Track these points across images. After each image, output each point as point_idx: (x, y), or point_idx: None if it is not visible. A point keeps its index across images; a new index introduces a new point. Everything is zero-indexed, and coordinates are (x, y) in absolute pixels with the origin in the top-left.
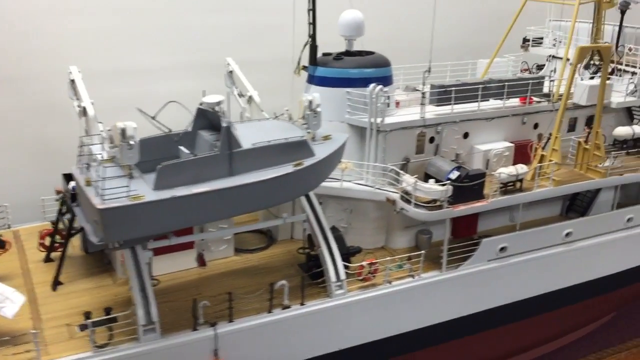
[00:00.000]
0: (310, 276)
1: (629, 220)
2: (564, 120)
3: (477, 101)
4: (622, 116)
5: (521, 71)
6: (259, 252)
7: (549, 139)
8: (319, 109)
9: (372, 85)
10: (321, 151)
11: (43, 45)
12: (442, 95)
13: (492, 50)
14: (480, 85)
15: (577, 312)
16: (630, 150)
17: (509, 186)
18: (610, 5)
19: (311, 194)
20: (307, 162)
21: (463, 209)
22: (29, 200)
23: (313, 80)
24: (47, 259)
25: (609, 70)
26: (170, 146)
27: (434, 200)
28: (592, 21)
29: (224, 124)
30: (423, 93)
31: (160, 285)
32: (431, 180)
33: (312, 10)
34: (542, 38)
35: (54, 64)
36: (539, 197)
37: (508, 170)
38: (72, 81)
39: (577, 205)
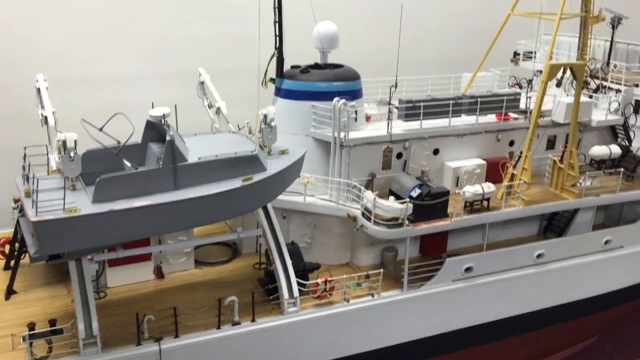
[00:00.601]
0: (267, 292)
1: (606, 242)
2: (542, 138)
3: (447, 117)
4: (606, 135)
5: (510, 86)
6: (220, 265)
7: (519, 157)
8: (273, 123)
9: (335, 99)
10: (275, 166)
11: (16, 54)
12: (410, 110)
13: (485, 64)
14: (451, 101)
15: (552, 335)
16: (606, 171)
17: (476, 205)
18: (597, 20)
19: (270, 207)
20: (258, 177)
21: (424, 228)
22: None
23: (279, 92)
24: (7, 267)
25: (594, 87)
26: (118, 158)
27: (396, 218)
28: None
29: (167, 138)
30: (390, 108)
31: (113, 297)
32: (391, 198)
33: (279, 22)
34: (534, 52)
35: (28, 72)
36: (507, 217)
37: (473, 189)
38: (38, 90)
39: (554, 225)
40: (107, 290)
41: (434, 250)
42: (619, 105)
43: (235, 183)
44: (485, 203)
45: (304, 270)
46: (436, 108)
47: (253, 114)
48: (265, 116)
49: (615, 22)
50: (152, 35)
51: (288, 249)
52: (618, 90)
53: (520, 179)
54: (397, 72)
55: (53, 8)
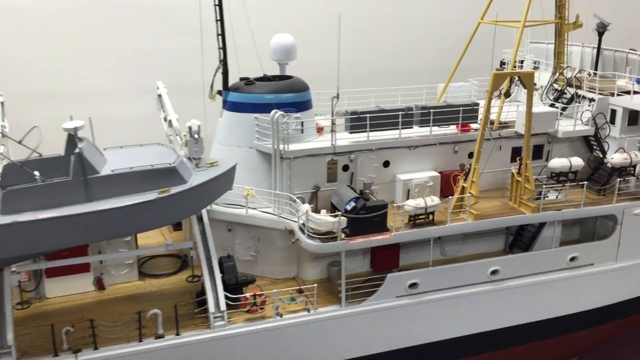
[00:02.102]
0: (199, 305)
1: (572, 259)
2: (506, 150)
3: (398, 128)
4: (579, 146)
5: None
6: (165, 278)
7: (469, 170)
8: (197, 136)
9: (273, 111)
10: (199, 178)
11: None
12: (355, 122)
13: (470, 74)
14: (401, 112)
15: (510, 357)
16: (566, 185)
17: (419, 219)
18: (573, 27)
19: (206, 219)
20: (176, 189)
21: (360, 242)
22: None
23: (225, 105)
24: None
25: (569, 96)
26: (39, 170)
27: (331, 232)
28: (575, 43)
29: (76, 150)
30: (333, 120)
31: (45, 308)
32: (323, 211)
33: (222, 35)
34: (522, 61)
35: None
36: (452, 232)
37: (415, 202)
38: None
39: (520, 240)
40: (46, 300)
41: (384, 265)
42: (593, 116)
43: (150, 195)
44: (430, 217)
45: (236, 284)
46: (384, 119)
47: (212, 127)
48: (189, 128)
49: (602, 29)
50: (127, 50)
51: (222, 262)
52: (592, 100)
53: (468, 193)
54: (382, 83)
55: (25, 24)
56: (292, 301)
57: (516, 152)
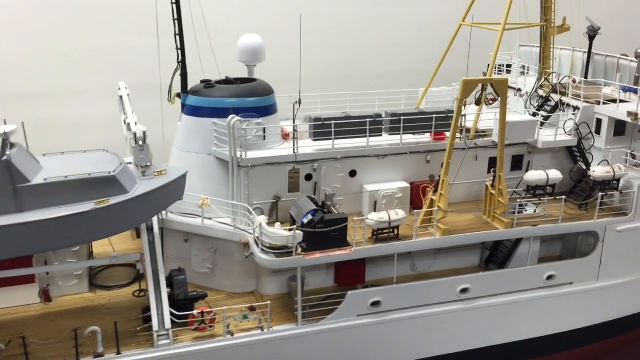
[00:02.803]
0: (145, 322)
1: (549, 277)
2: (483, 160)
3: (365, 136)
4: (562, 157)
5: (489, 100)
6: (117, 289)
7: (438, 181)
8: (141, 142)
9: (230, 117)
10: (143, 187)
11: None
12: (319, 129)
13: (455, 77)
14: (369, 119)
15: None
16: (543, 199)
17: (383, 233)
18: (560, 31)
19: (156, 230)
20: (115, 199)
21: (317, 258)
22: None
23: (184, 109)
24: None
25: (553, 103)
26: None
27: (286, 246)
28: (565, 47)
29: (3, 158)
30: (295, 126)
31: None
32: (277, 224)
33: (180, 35)
34: (509, 66)
35: None
36: (418, 248)
37: (377, 216)
38: None
39: (496, 256)
40: None
41: (349, 280)
42: (577, 125)
43: (86, 206)
44: (395, 231)
45: (185, 300)
46: (351, 126)
47: (171, 131)
48: (134, 135)
49: (593, 33)
50: (97, 50)
51: (172, 276)
52: (576, 108)
53: (437, 206)
54: (356, 86)
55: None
56: (245, 319)
57: (493, 163)
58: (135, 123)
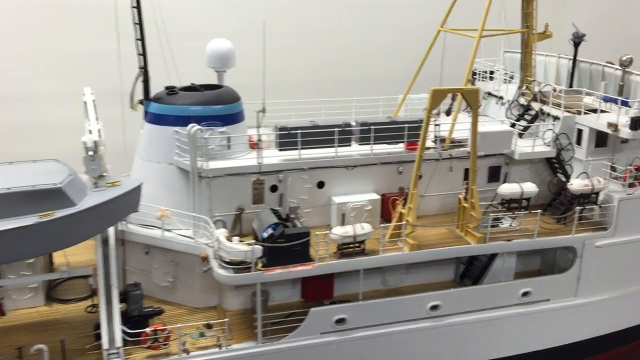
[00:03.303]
0: (97, 339)
1: (525, 294)
2: (457, 172)
3: (333, 146)
4: (541, 168)
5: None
6: (74, 303)
7: (407, 193)
8: (92, 153)
9: (190, 125)
10: (93, 200)
11: None
12: (284, 138)
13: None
14: (337, 129)
15: None
16: (516, 213)
17: (348, 248)
18: (541, 37)
19: (112, 242)
20: (61, 212)
21: (277, 274)
22: None
23: (146, 116)
24: None
25: (533, 112)
26: None
27: (245, 261)
28: (551, 54)
29: None
30: (259, 136)
31: None
32: (235, 239)
33: (141, 40)
34: (492, 72)
35: None
36: (384, 264)
37: (342, 230)
38: None
39: (471, 271)
40: None
41: (316, 296)
42: (556, 135)
43: (29, 220)
44: (361, 246)
45: (139, 316)
46: (318, 136)
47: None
48: (84, 144)
49: (578, 39)
50: (64, 53)
51: (127, 291)
52: (556, 118)
53: (405, 220)
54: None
55: None
56: (201, 336)
57: (468, 174)
58: (90, 132)
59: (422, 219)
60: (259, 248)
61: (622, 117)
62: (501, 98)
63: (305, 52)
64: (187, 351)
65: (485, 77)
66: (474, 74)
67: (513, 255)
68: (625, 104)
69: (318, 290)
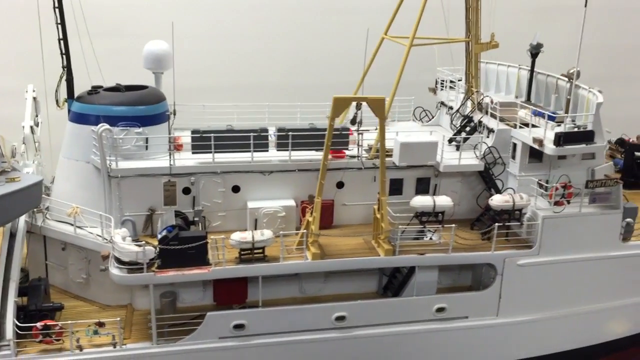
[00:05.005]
0: None
1: (439, 310)
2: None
3: (249, 151)
4: (474, 182)
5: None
6: None
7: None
8: None
9: (100, 125)
10: None
11: None
12: (196, 142)
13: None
14: (252, 133)
15: None
16: (428, 226)
17: (248, 254)
18: (487, 47)
19: (19, 236)
20: None
21: (169, 276)
22: None
23: (69, 115)
24: None
25: (473, 124)
26: None
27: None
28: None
29: None
30: (170, 138)
31: None
32: (128, 239)
33: (64, 40)
34: (452, 81)
35: None
36: (282, 271)
37: (240, 236)
38: None
39: (392, 283)
40: None
41: (227, 299)
42: (489, 149)
43: None
44: (262, 252)
45: (37, 310)
46: (233, 140)
47: None
48: None
49: (536, 50)
50: (29, 51)
51: (29, 285)
52: (491, 130)
53: (310, 228)
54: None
55: None
56: (95, 334)
57: (394, 184)
58: (31, 127)
59: (345, 229)
60: (150, 249)
61: (549, 132)
62: (451, 108)
63: (249, 58)
64: (80, 347)
65: (445, 87)
66: (437, 82)
67: (434, 269)
68: (552, 118)
69: (229, 294)
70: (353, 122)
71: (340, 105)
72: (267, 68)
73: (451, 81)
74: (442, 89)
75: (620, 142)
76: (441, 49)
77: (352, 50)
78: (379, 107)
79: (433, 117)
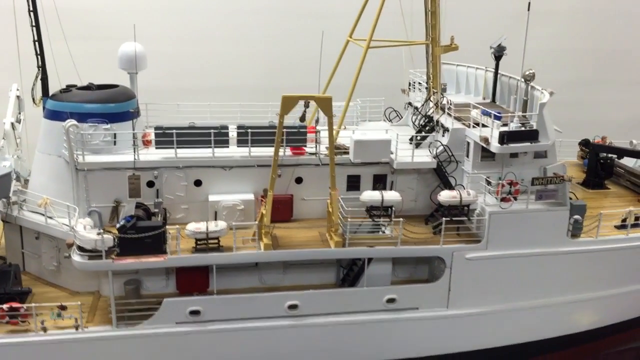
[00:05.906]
0: None
1: (389, 301)
2: (341, 177)
3: (210, 146)
4: (430, 179)
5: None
6: None
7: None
8: None
9: (67, 121)
10: None
11: None
12: (159, 137)
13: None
14: (213, 130)
15: None
16: (377, 220)
17: (202, 244)
18: (447, 49)
19: None
20: None
21: (126, 263)
22: None
23: (44, 112)
24: None
25: (432, 123)
26: None
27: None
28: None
29: None
30: (134, 134)
31: None
32: (88, 227)
33: (39, 41)
34: (420, 83)
35: None
36: (234, 261)
37: (195, 226)
38: None
39: (349, 275)
40: None
41: (189, 287)
42: (444, 148)
43: None
44: (216, 242)
45: (4, 294)
46: (195, 136)
47: None
48: None
49: (499, 53)
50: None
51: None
52: (447, 130)
53: (263, 220)
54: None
55: None
56: (58, 317)
57: (352, 180)
58: (12, 123)
59: (303, 222)
60: (109, 238)
61: (495, 131)
62: (416, 108)
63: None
64: (45, 329)
65: (417, 88)
66: (410, 84)
67: (388, 262)
68: (498, 118)
69: (191, 282)
70: (302, 119)
71: (288, 103)
72: (246, 71)
73: (419, 83)
74: (412, 91)
75: (585, 142)
76: (412, 51)
77: (330, 53)
78: (326, 105)
79: (402, 118)
